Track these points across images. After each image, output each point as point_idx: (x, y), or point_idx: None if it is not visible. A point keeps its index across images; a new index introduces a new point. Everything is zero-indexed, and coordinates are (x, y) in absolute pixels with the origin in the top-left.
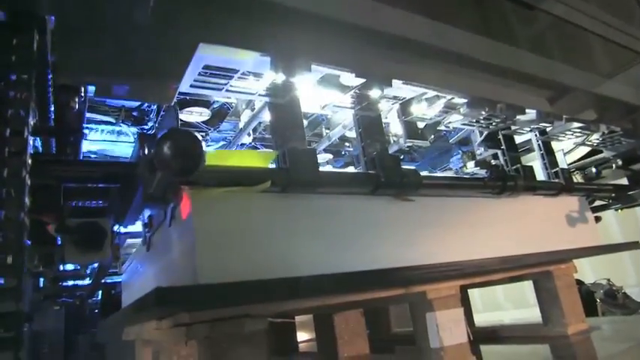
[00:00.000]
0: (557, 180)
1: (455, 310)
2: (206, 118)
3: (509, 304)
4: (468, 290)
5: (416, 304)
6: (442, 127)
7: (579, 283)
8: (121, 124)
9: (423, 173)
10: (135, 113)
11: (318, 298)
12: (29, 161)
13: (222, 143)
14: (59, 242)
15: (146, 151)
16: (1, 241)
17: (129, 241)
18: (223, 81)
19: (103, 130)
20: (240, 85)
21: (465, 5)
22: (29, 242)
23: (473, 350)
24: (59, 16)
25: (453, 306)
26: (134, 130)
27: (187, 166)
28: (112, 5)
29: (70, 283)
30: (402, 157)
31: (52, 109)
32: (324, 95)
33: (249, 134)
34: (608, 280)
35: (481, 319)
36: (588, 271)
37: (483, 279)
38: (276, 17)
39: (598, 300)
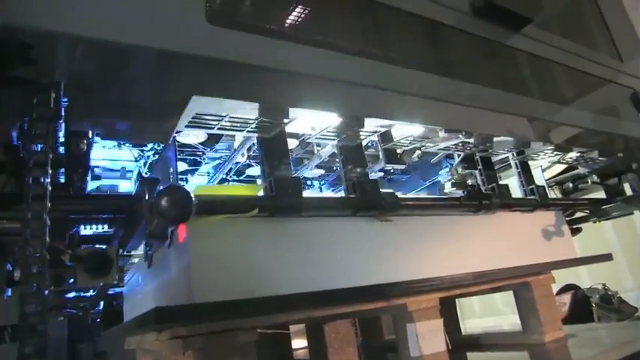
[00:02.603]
0: (532, 197)
1: (434, 321)
2: (202, 139)
3: (508, 309)
4: (468, 298)
5: (397, 316)
6: (420, 150)
7: (575, 288)
8: (122, 146)
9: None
10: None
11: (304, 312)
12: (49, 204)
13: (217, 162)
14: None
15: (147, 196)
16: (28, 272)
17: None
18: (215, 122)
19: (104, 147)
20: (231, 122)
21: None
22: None
23: (453, 358)
24: (72, 77)
25: (432, 317)
26: (134, 149)
27: (179, 217)
28: (118, 64)
29: (74, 294)
30: (392, 171)
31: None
32: (314, 120)
33: (242, 154)
34: (604, 284)
35: (480, 324)
36: (585, 276)
37: (461, 291)
38: (266, 75)
39: (594, 305)
